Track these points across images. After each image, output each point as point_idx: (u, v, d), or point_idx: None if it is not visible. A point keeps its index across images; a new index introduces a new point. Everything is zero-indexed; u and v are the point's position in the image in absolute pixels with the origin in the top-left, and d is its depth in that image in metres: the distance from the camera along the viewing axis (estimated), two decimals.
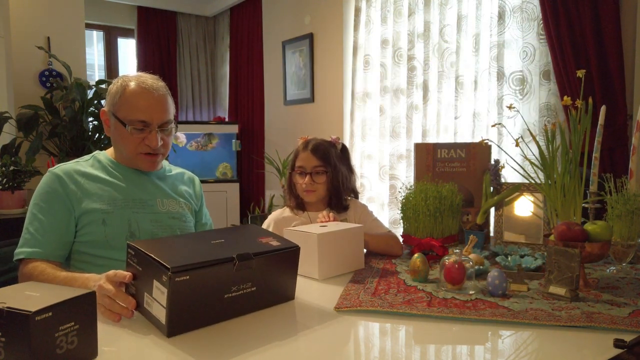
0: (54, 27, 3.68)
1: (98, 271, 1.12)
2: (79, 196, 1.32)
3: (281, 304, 1.13)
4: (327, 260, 1.35)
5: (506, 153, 1.53)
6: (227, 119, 5.30)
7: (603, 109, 1.48)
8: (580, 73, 1.30)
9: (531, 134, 1.41)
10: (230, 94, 5.33)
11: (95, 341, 0.84)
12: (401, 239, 1.68)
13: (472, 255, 1.36)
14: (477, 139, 2.64)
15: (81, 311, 0.80)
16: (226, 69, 5.42)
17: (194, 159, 4.85)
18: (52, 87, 3.58)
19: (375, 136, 3.49)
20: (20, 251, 1.28)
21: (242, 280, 1.02)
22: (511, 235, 1.73)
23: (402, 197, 1.68)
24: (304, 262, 1.26)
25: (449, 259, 1.21)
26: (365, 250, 1.54)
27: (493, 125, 1.85)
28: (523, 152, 1.47)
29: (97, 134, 3.52)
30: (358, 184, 3.26)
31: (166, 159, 1.57)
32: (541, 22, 2.49)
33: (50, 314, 0.74)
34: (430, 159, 1.89)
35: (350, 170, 1.83)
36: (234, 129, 4.95)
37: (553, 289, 1.15)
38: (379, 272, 1.40)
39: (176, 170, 1.59)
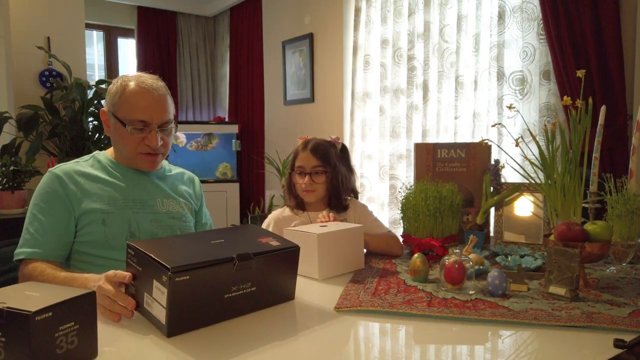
0: (54, 27, 3.68)
1: (98, 271, 1.12)
2: (78, 196, 1.32)
3: (281, 304, 1.13)
4: (327, 260, 1.35)
5: (506, 153, 1.53)
6: (227, 119, 5.30)
7: (603, 109, 1.48)
8: (580, 73, 1.30)
9: (531, 134, 1.41)
10: (230, 94, 5.33)
11: (95, 341, 0.84)
12: (401, 239, 1.68)
13: (472, 255, 1.36)
14: (477, 139, 2.64)
15: (81, 311, 0.80)
16: (226, 69, 5.42)
17: (194, 159, 4.85)
18: (52, 87, 3.58)
19: (375, 136, 3.49)
20: (20, 251, 1.28)
21: (242, 280, 1.02)
22: (511, 235, 1.73)
23: (402, 197, 1.68)
24: (304, 262, 1.26)
25: (449, 259, 1.21)
26: (365, 250, 1.54)
27: (493, 125, 1.85)
28: (523, 152, 1.47)
29: (97, 134, 3.52)
30: (358, 184, 3.26)
31: (166, 159, 1.57)
32: (541, 22, 2.49)
33: (50, 314, 0.74)
34: (430, 159, 1.89)
35: (350, 170, 1.83)
36: (234, 129, 4.95)
37: (553, 289, 1.15)
38: (379, 272, 1.40)
39: (176, 170, 1.59)
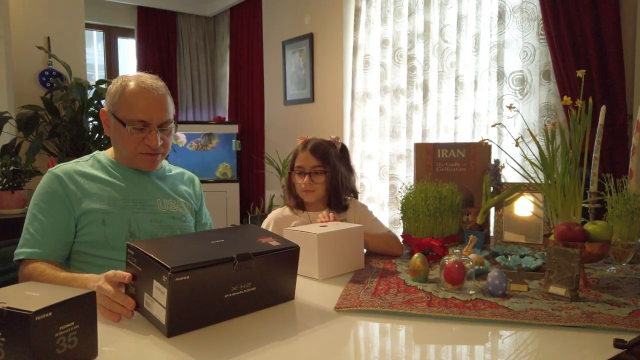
0: (54, 27, 3.68)
1: (98, 271, 1.12)
2: (78, 196, 1.32)
3: (281, 304, 1.13)
4: (327, 260, 1.35)
5: (506, 153, 1.53)
6: (227, 119, 5.30)
7: (603, 109, 1.48)
8: (580, 73, 1.30)
9: (531, 134, 1.41)
10: (230, 94, 5.33)
11: (95, 341, 0.84)
12: (401, 239, 1.68)
13: (472, 255, 1.36)
14: (477, 139, 2.64)
15: (81, 311, 0.80)
16: (226, 69, 5.42)
17: (194, 159, 4.85)
18: (52, 87, 3.58)
19: (375, 136, 3.49)
20: (20, 251, 1.28)
21: (242, 280, 1.02)
22: (511, 235, 1.73)
23: (402, 197, 1.68)
24: (304, 262, 1.26)
25: (449, 259, 1.21)
26: (365, 250, 1.54)
27: (493, 125, 1.85)
28: (523, 152, 1.47)
29: (97, 134, 3.52)
30: (358, 184, 3.25)
31: (166, 159, 1.57)
32: (541, 22, 2.49)
33: (50, 314, 0.74)
34: (430, 159, 1.89)
35: (349, 170, 1.83)
36: (234, 129, 4.95)
37: (553, 289, 1.15)
38: (379, 272, 1.40)
39: (176, 170, 1.59)
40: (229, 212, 4.75)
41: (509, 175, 1.87)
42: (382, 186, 3.48)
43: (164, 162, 1.56)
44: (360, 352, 0.94)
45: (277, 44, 4.49)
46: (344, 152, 1.84)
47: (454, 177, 1.84)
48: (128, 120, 1.35)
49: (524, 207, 1.73)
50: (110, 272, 1.01)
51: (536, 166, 1.35)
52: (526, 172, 1.37)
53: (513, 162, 1.47)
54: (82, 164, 1.40)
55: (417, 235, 1.62)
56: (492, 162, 1.81)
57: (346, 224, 1.52)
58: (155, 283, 0.93)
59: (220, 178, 4.89)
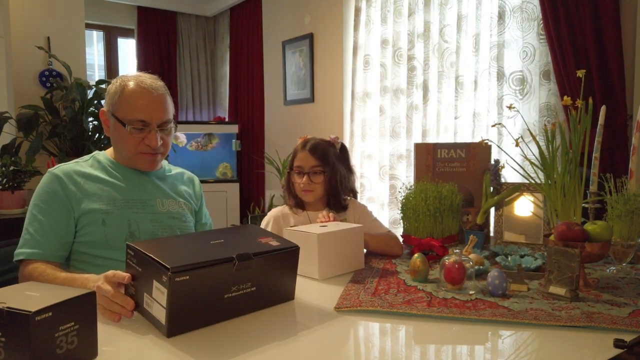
0: (54, 27, 3.68)
1: (98, 271, 1.12)
2: (78, 197, 1.32)
3: (281, 304, 1.13)
4: (327, 260, 1.35)
5: (506, 153, 1.53)
6: (227, 119, 5.30)
7: (603, 109, 1.48)
8: (580, 73, 1.30)
9: (531, 134, 1.41)
10: (230, 94, 5.33)
11: (95, 341, 0.84)
12: (401, 239, 1.68)
13: (472, 255, 1.36)
14: (477, 139, 2.64)
15: (81, 311, 0.80)
16: (226, 69, 5.42)
17: (194, 159, 4.85)
18: (52, 87, 3.58)
19: (375, 136, 3.49)
20: (20, 252, 1.28)
21: (242, 280, 1.02)
22: (511, 235, 1.73)
23: (402, 197, 1.68)
24: (304, 262, 1.26)
25: (449, 259, 1.21)
26: (365, 251, 1.54)
27: (493, 125, 1.85)
28: (523, 152, 1.47)
29: (97, 134, 3.52)
30: (358, 184, 3.25)
31: (166, 159, 1.57)
32: (541, 22, 2.49)
33: (50, 314, 0.74)
34: (430, 159, 1.89)
35: (349, 170, 1.83)
36: (234, 129, 4.95)
37: (553, 289, 1.15)
38: (379, 272, 1.40)
39: (176, 170, 1.59)
40: (229, 212, 4.75)
41: (509, 175, 1.87)
42: (382, 186, 3.48)
43: (164, 162, 1.56)
44: (360, 352, 0.94)
45: (277, 44, 4.49)
46: (343, 152, 1.84)
47: (454, 177, 1.84)
48: (128, 120, 1.35)
49: (524, 207, 1.73)
50: (110, 273, 1.01)
51: (536, 166, 1.35)
52: (526, 172, 1.37)
53: (513, 162, 1.47)
54: (82, 164, 1.40)
55: (417, 235, 1.62)
56: (492, 162, 1.81)
57: (346, 224, 1.52)
58: (155, 283, 0.93)
59: (220, 178, 4.89)
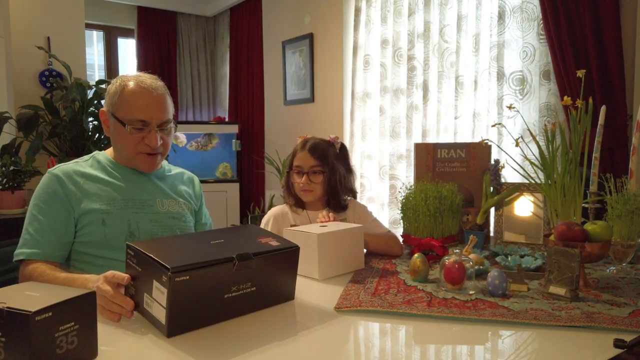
0: (54, 27, 3.67)
1: (98, 271, 1.12)
2: (78, 197, 1.32)
3: (281, 304, 1.13)
4: (327, 260, 1.35)
5: (506, 153, 1.53)
6: (227, 119, 5.30)
7: (603, 109, 1.48)
8: (580, 73, 1.30)
9: (531, 134, 1.41)
10: (230, 94, 5.33)
11: (95, 341, 0.84)
12: (401, 239, 1.68)
13: (472, 255, 1.36)
14: (477, 139, 2.64)
15: (81, 311, 0.80)
16: (226, 69, 5.42)
17: (194, 159, 4.85)
18: (52, 87, 3.58)
19: (375, 136, 3.49)
20: (20, 252, 1.28)
21: (242, 280, 1.02)
22: (511, 235, 1.73)
23: (402, 197, 1.68)
24: (304, 262, 1.26)
25: (449, 259, 1.21)
26: (365, 251, 1.53)
27: (493, 125, 1.85)
28: (523, 152, 1.47)
29: (97, 134, 3.52)
30: (358, 184, 3.25)
31: (166, 159, 1.57)
32: (541, 22, 2.49)
33: (50, 314, 0.74)
34: (430, 159, 1.89)
35: (348, 170, 1.83)
36: (234, 129, 4.95)
37: (553, 289, 1.15)
38: (379, 272, 1.40)
39: (176, 170, 1.59)
40: (229, 212, 4.75)
41: (509, 175, 1.87)
42: (382, 186, 3.47)
43: (164, 162, 1.56)
44: (360, 352, 0.94)
45: (277, 44, 4.49)
46: (343, 152, 1.83)
47: (454, 177, 1.84)
48: (127, 120, 1.35)
49: (524, 207, 1.73)
50: (109, 273, 1.01)
51: (536, 166, 1.35)
52: (526, 172, 1.37)
53: (513, 162, 1.47)
54: (82, 164, 1.40)
55: (417, 235, 1.62)
56: (492, 162, 1.81)
57: (346, 224, 1.52)
58: (155, 283, 0.93)
59: (220, 178, 4.89)
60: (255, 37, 4.82)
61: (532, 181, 1.36)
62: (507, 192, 1.74)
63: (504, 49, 2.69)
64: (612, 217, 1.39)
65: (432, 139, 3.09)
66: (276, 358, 0.86)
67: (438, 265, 1.26)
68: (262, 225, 1.79)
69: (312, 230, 1.35)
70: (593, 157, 1.46)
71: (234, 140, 4.93)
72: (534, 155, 1.40)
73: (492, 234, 1.86)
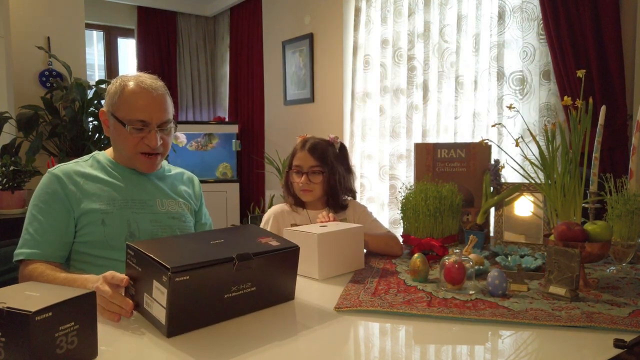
0: (54, 27, 3.68)
1: (98, 271, 1.12)
2: (78, 197, 1.32)
3: (281, 304, 1.13)
4: (327, 260, 1.35)
5: (506, 153, 1.53)
6: (227, 119, 5.30)
7: (603, 109, 1.48)
8: (580, 73, 1.30)
9: (531, 134, 1.41)
10: (230, 94, 5.33)
11: (95, 341, 0.84)
12: (401, 239, 1.68)
13: (472, 255, 1.36)
14: (477, 139, 2.64)
15: (81, 311, 0.80)
16: (226, 69, 5.42)
17: (194, 159, 4.85)
18: (52, 87, 3.58)
19: (375, 136, 3.49)
20: (20, 252, 1.28)
21: (242, 280, 1.02)
22: (511, 235, 1.73)
23: (402, 197, 1.68)
24: (304, 262, 1.26)
25: (449, 259, 1.21)
26: (365, 251, 1.53)
27: (493, 125, 1.85)
28: (523, 152, 1.47)
29: (97, 134, 3.52)
30: (358, 184, 3.24)
31: (166, 159, 1.57)
32: (541, 22, 2.49)
33: (50, 314, 0.74)
34: (430, 159, 1.89)
35: (348, 170, 1.82)
36: (234, 129, 4.95)
37: (553, 289, 1.15)
38: (379, 272, 1.40)
39: (175, 170, 1.59)
40: (229, 212, 4.75)
41: (509, 175, 1.87)
42: (382, 186, 3.47)
43: (164, 162, 1.56)
44: (360, 352, 0.94)
45: (277, 44, 4.49)
46: (342, 152, 1.83)
47: (454, 177, 1.84)
48: (127, 120, 1.35)
49: (524, 207, 1.73)
50: (108, 274, 1.02)
51: (536, 166, 1.35)
52: (526, 172, 1.37)
53: (513, 162, 1.47)
54: (82, 164, 1.40)
55: (417, 235, 1.62)
56: (492, 162, 1.81)
57: (346, 224, 1.52)
58: (155, 283, 0.93)
59: (220, 178, 4.89)
60: (255, 37, 4.82)
61: (532, 181, 1.36)
62: (507, 192, 1.74)
63: (504, 49, 2.69)
64: (612, 217, 1.39)
65: (432, 139, 3.09)
66: (276, 358, 0.86)
67: (438, 265, 1.26)
68: (262, 224, 1.79)
69: (312, 230, 1.35)
70: (593, 157, 1.46)
71: (234, 140, 4.93)
72: (534, 155, 1.40)
73: (492, 234, 1.86)
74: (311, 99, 4.10)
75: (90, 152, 1.51)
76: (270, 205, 4.07)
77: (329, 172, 1.72)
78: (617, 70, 2.25)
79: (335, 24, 3.81)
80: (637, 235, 1.38)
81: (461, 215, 1.77)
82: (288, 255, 1.11)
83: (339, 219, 1.66)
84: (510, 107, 1.51)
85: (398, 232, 1.79)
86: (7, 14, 3.45)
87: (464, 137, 2.90)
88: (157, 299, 0.93)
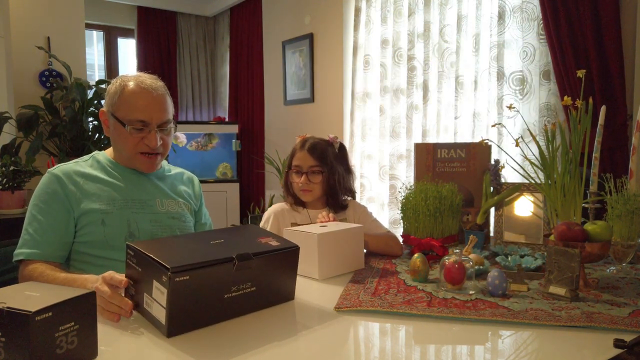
0: (54, 27, 3.68)
1: (98, 271, 1.12)
2: (78, 197, 1.32)
3: (281, 304, 1.13)
4: (327, 260, 1.35)
5: (506, 153, 1.53)
6: (227, 119, 5.30)
7: (603, 109, 1.48)
8: (580, 73, 1.30)
9: (531, 134, 1.41)
10: (230, 94, 5.33)
11: (95, 341, 0.84)
12: (401, 239, 1.68)
13: (472, 255, 1.36)
14: (477, 139, 2.64)
15: (81, 311, 0.80)
16: (226, 69, 5.42)
17: (194, 159, 4.85)
18: (52, 87, 3.58)
19: (375, 136, 3.49)
20: (20, 252, 1.28)
21: (242, 280, 1.02)
22: (511, 235, 1.73)
23: (402, 197, 1.68)
24: (304, 262, 1.26)
25: (449, 259, 1.21)
26: (365, 251, 1.53)
27: (493, 125, 1.85)
28: (523, 152, 1.47)
29: (97, 134, 3.52)
30: (358, 184, 3.24)
31: (166, 159, 1.57)
32: (541, 22, 2.49)
33: (50, 314, 0.74)
34: (430, 159, 1.89)
35: (347, 170, 1.82)
36: (234, 129, 4.95)
37: (553, 289, 1.15)
38: (379, 272, 1.40)
39: (175, 170, 1.59)
40: (229, 212, 4.75)
41: (509, 175, 1.87)
42: (382, 186, 3.47)
43: (164, 162, 1.56)
44: (360, 352, 0.94)
45: (277, 44, 4.49)
46: (342, 152, 1.83)
47: (454, 177, 1.84)
48: (127, 120, 1.35)
49: (524, 207, 1.73)
50: (108, 274, 1.02)
51: (536, 166, 1.35)
52: (526, 172, 1.37)
53: (513, 162, 1.47)
54: (82, 164, 1.40)
55: (417, 235, 1.62)
56: (492, 162, 1.81)
57: (346, 224, 1.52)
58: (155, 283, 0.93)
59: (220, 178, 4.89)
60: (255, 37, 4.82)
61: (532, 181, 1.36)
62: (507, 192, 1.74)
63: (504, 49, 2.69)
64: (612, 217, 1.39)
65: (432, 139, 3.09)
66: (276, 358, 0.86)
67: (438, 265, 1.25)
68: (262, 222, 1.79)
69: (312, 230, 1.35)
70: (593, 157, 1.46)
71: (234, 140, 4.93)
72: (534, 155, 1.40)
73: (492, 234, 1.86)
74: (311, 99, 4.10)
75: (90, 152, 1.51)
76: (270, 205, 4.08)
77: (329, 172, 1.72)
78: (617, 70, 2.25)
79: (335, 24, 3.81)
80: (637, 235, 1.38)
81: (461, 215, 1.77)
82: (288, 255, 1.11)
83: (339, 219, 1.66)
84: (510, 107, 1.51)
85: (398, 232, 1.79)
86: (7, 14, 3.45)
87: (464, 137, 2.90)
88: (157, 299, 0.93)
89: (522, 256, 1.48)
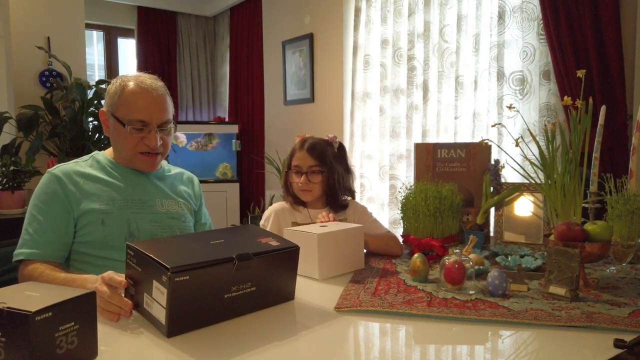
0: (54, 27, 3.68)
1: (98, 271, 1.12)
2: (77, 197, 1.32)
3: (281, 304, 1.13)
4: (327, 260, 1.35)
5: (506, 153, 1.53)
6: (227, 119, 5.30)
7: (603, 109, 1.48)
8: (580, 73, 1.30)
9: (531, 134, 1.41)
10: (230, 94, 5.33)
11: (95, 341, 0.84)
12: (401, 239, 1.68)
13: (472, 255, 1.36)
14: (477, 139, 2.64)
15: (81, 311, 0.80)
16: (226, 69, 5.42)
17: (194, 159, 4.85)
18: (52, 87, 3.58)
19: (375, 136, 3.49)
20: (20, 252, 1.28)
21: (242, 280, 1.02)
22: (511, 235, 1.73)
23: (402, 197, 1.68)
24: (304, 262, 1.26)
25: (449, 259, 1.21)
26: (365, 251, 1.53)
27: (493, 125, 1.85)
28: (523, 152, 1.47)
29: (97, 134, 3.52)
30: (358, 184, 3.24)
31: (166, 159, 1.57)
32: (541, 22, 2.49)
33: (50, 314, 0.74)
34: (430, 159, 1.89)
35: (347, 169, 1.82)
36: (234, 129, 4.95)
37: (553, 289, 1.15)
38: (379, 272, 1.40)
39: (175, 170, 1.59)
40: (229, 212, 4.75)
41: (509, 175, 1.87)
42: (382, 186, 3.47)
43: (163, 163, 1.56)
44: (360, 352, 0.94)
45: (277, 44, 4.49)
46: (341, 152, 1.83)
47: (454, 177, 1.84)
48: (127, 120, 1.35)
49: (524, 207, 1.73)
50: (107, 274, 1.02)
51: (536, 166, 1.35)
52: (526, 172, 1.37)
53: (513, 162, 1.47)
54: (81, 164, 1.40)
55: (417, 235, 1.62)
56: (492, 162, 1.81)
57: (346, 224, 1.52)
58: (155, 283, 0.93)
59: (220, 178, 4.89)
60: (255, 37, 4.82)
61: (532, 181, 1.36)
62: (507, 192, 1.74)
63: (504, 49, 2.69)
64: (612, 217, 1.39)
65: (432, 139, 3.09)
66: (276, 358, 0.86)
67: (438, 265, 1.25)
68: (262, 221, 1.79)
69: (312, 230, 1.35)
70: (593, 157, 1.46)
71: (234, 140, 4.93)
72: (534, 155, 1.40)
73: (492, 234, 1.86)
74: (311, 99, 4.10)
75: (90, 152, 1.51)
76: (270, 205, 4.07)
77: (328, 171, 1.72)
78: (617, 70, 2.25)
79: (335, 24, 3.81)
80: (637, 235, 1.38)
81: (461, 215, 1.77)
82: (288, 255, 1.11)
83: (339, 219, 1.66)
84: (510, 107, 1.51)
85: (398, 232, 1.79)
86: (7, 14, 3.45)
87: (464, 137, 2.90)
88: (157, 299, 0.93)
89: (522, 256, 1.48)
